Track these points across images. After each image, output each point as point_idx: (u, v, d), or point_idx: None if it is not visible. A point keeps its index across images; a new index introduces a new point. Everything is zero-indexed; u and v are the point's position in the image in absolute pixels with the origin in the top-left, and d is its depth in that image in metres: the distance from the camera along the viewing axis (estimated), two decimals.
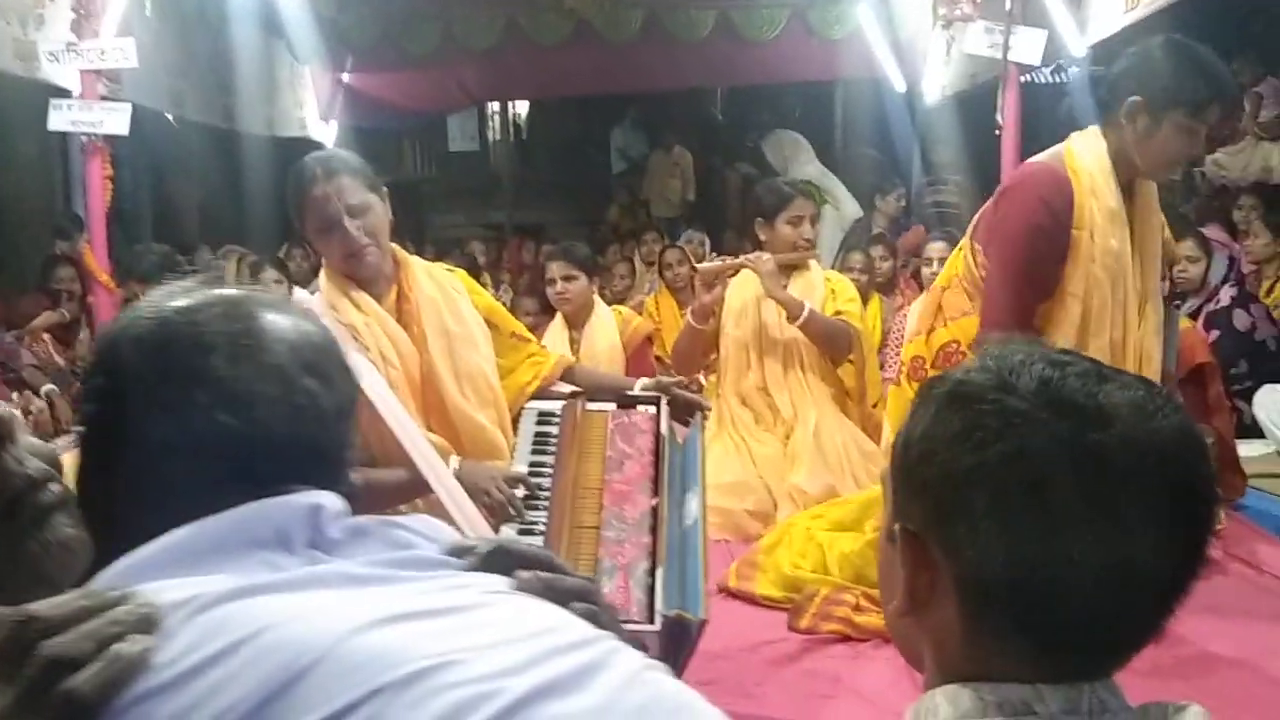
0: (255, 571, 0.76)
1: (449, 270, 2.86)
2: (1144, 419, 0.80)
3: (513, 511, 2.44)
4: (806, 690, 2.58)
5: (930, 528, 0.83)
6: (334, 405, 0.87)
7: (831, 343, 3.95)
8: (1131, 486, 0.78)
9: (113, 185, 5.08)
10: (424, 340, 2.63)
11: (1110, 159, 2.74)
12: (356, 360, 2.44)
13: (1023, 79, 5.58)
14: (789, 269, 4.04)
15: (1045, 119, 8.16)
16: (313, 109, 9.00)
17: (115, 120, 5.01)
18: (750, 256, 4.00)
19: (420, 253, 8.90)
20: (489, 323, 2.81)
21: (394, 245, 2.69)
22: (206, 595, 0.71)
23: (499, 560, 0.85)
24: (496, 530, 2.41)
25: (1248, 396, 4.54)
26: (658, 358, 5.09)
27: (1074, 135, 2.82)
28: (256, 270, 6.46)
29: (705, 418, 2.83)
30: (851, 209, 8.65)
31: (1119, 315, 2.78)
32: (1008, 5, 5.02)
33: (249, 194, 8.75)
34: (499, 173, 12.22)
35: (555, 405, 2.79)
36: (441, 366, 2.63)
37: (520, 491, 2.48)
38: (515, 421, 2.76)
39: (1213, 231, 5.97)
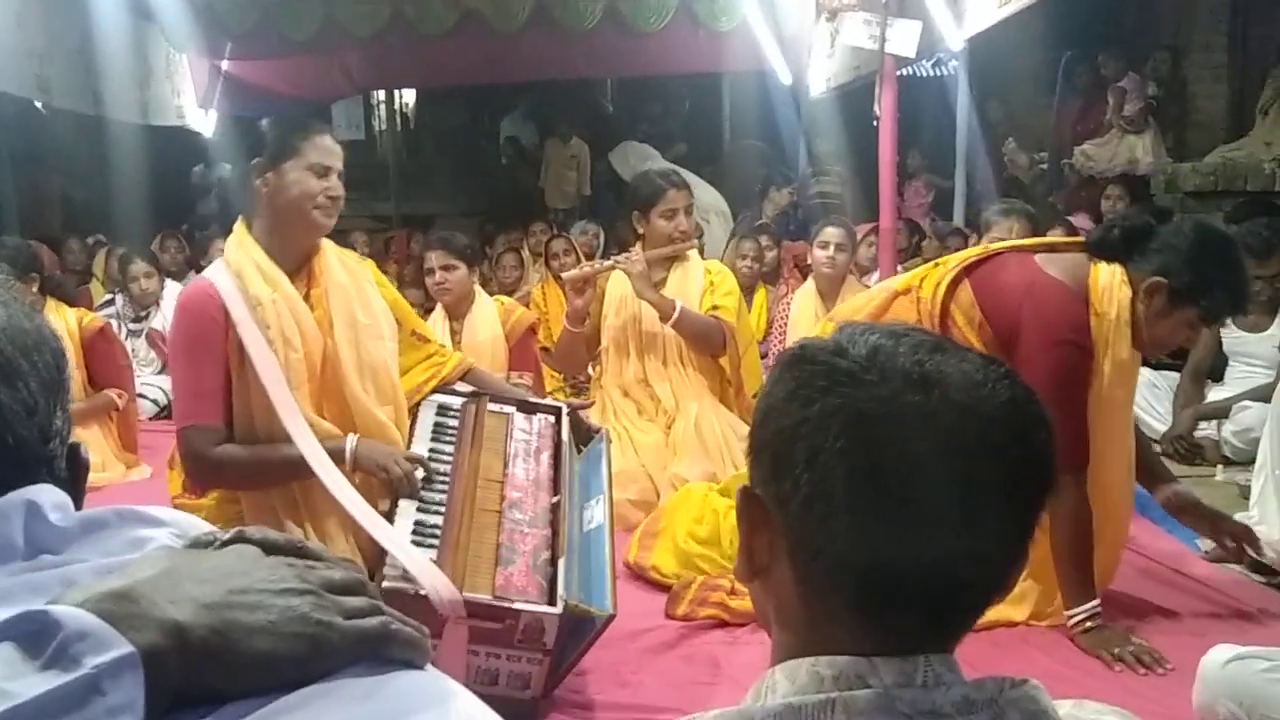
0: None
1: (360, 259, 2.84)
2: (973, 387, 0.80)
3: (409, 487, 2.44)
4: (685, 677, 2.59)
5: (765, 485, 0.84)
6: (18, 402, 0.79)
7: (704, 340, 3.96)
8: (953, 452, 0.78)
9: None
10: (329, 328, 2.60)
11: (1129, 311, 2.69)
12: (246, 335, 2.43)
13: (902, 72, 5.67)
14: (668, 261, 4.03)
15: (924, 111, 8.37)
16: (190, 97, 8.73)
17: None
18: (620, 258, 3.99)
19: None
20: (404, 323, 2.81)
21: None
22: None
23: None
24: (392, 507, 2.42)
25: None
26: (543, 348, 5.06)
27: (1100, 269, 2.72)
28: (126, 262, 6.25)
29: (609, 439, 2.90)
30: (708, 199, 8.69)
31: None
32: None
33: (122, 184, 8.47)
34: (385, 163, 12.01)
35: (455, 400, 2.81)
36: (345, 356, 2.60)
37: (419, 472, 2.49)
38: (412, 413, 2.75)
39: (1080, 220, 6.17)
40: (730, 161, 9.97)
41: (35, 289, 4.60)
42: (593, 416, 3.69)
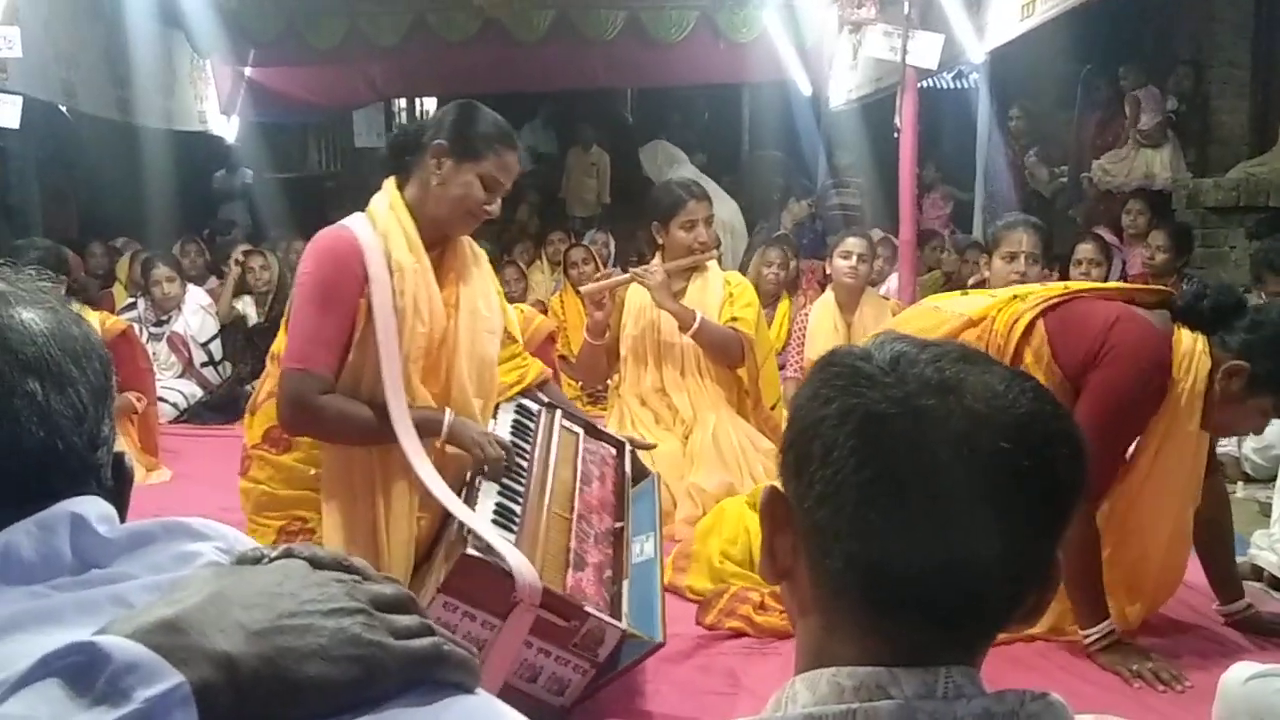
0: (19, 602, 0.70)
1: (480, 250, 2.83)
2: (992, 396, 0.80)
3: (497, 469, 2.47)
4: (702, 687, 2.58)
5: (788, 483, 0.85)
6: (68, 408, 0.78)
7: (723, 352, 3.95)
8: (962, 458, 0.78)
9: None
10: (455, 311, 2.60)
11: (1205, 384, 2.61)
12: (378, 296, 2.44)
13: (923, 84, 5.68)
14: (689, 271, 4.04)
15: (945, 123, 8.37)
16: (213, 103, 8.81)
17: (3, 112, 4.85)
18: (638, 270, 3.98)
19: None
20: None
21: None
22: None
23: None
24: (473, 489, 2.43)
25: None
26: (561, 356, 5.07)
27: (1184, 333, 2.64)
28: (148, 266, 6.29)
29: (660, 481, 2.95)
30: (725, 213, 8.71)
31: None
32: (906, 9, 5.11)
33: (146, 188, 8.53)
34: None
35: (535, 405, 2.86)
36: (462, 342, 2.60)
37: (504, 461, 2.52)
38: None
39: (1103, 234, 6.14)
40: (749, 172, 9.99)
41: (63, 291, 4.63)
42: (610, 425, 3.70)
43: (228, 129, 8.95)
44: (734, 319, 3.96)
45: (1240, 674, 2.16)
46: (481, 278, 2.74)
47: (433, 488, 2.37)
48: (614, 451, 2.94)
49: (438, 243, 2.62)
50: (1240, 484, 4.23)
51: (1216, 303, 2.64)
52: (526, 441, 2.69)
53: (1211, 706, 2.23)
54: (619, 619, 2.24)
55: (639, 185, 10.41)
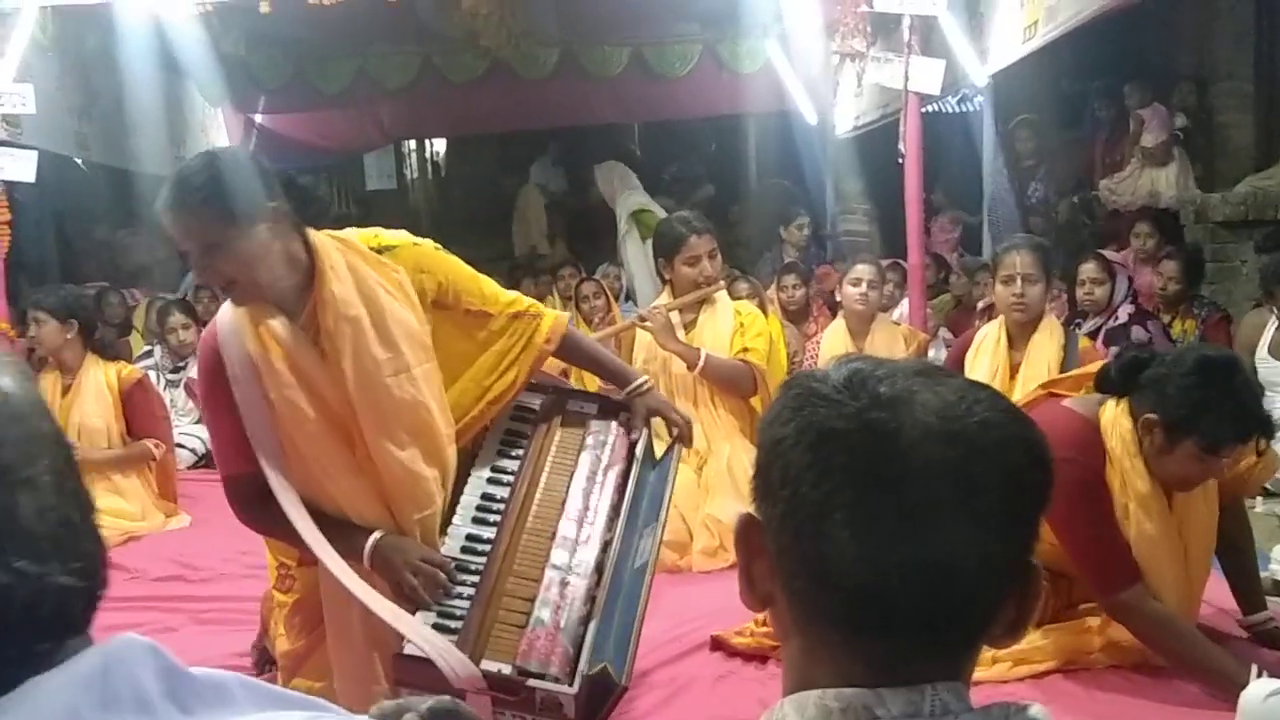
0: None
1: (385, 259, 2.37)
2: (944, 408, 0.80)
3: (419, 600, 2.23)
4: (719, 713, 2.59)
5: (759, 508, 0.86)
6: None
7: (733, 385, 3.95)
8: (920, 471, 0.78)
9: (11, 231, 4.98)
10: (340, 372, 2.25)
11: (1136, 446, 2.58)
12: (243, 400, 2.23)
13: (928, 108, 5.71)
14: (698, 305, 4.06)
15: (950, 147, 8.39)
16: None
17: (18, 167, 4.93)
18: (641, 313, 4.02)
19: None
20: (455, 306, 2.45)
21: (318, 239, 2.29)
22: None
23: None
24: (413, 613, 2.25)
25: None
26: None
27: (1108, 404, 2.64)
28: (164, 314, 6.35)
29: (680, 454, 2.70)
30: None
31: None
32: (906, 36, 5.14)
33: (159, 238, 8.60)
34: (418, 211, 12.18)
35: (535, 400, 2.58)
36: (361, 402, 2.25)
37: (440, 574, 2.27)
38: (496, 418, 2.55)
39: (1111, 254, 6.14)
40: (758, 201, 10.02)
41: (73, 334, 4.70)
42: None
43: None
44: (745, 350, 3.97)
45: (1260, 690, 2.15)
46: (370, 306, 2.27)
47: (362, 597, 2.20)
48: (627, 433, 2.60)
49: (289, 304, 2.27)
50: (1260, 499, 4.21)
51: (1120, 366, 2.65)
52: (515, 458, 2.48)
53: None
54: (574, 677, 2.12)
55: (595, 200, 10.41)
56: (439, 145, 12.97)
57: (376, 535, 2.26)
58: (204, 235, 2.18)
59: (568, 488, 2.43)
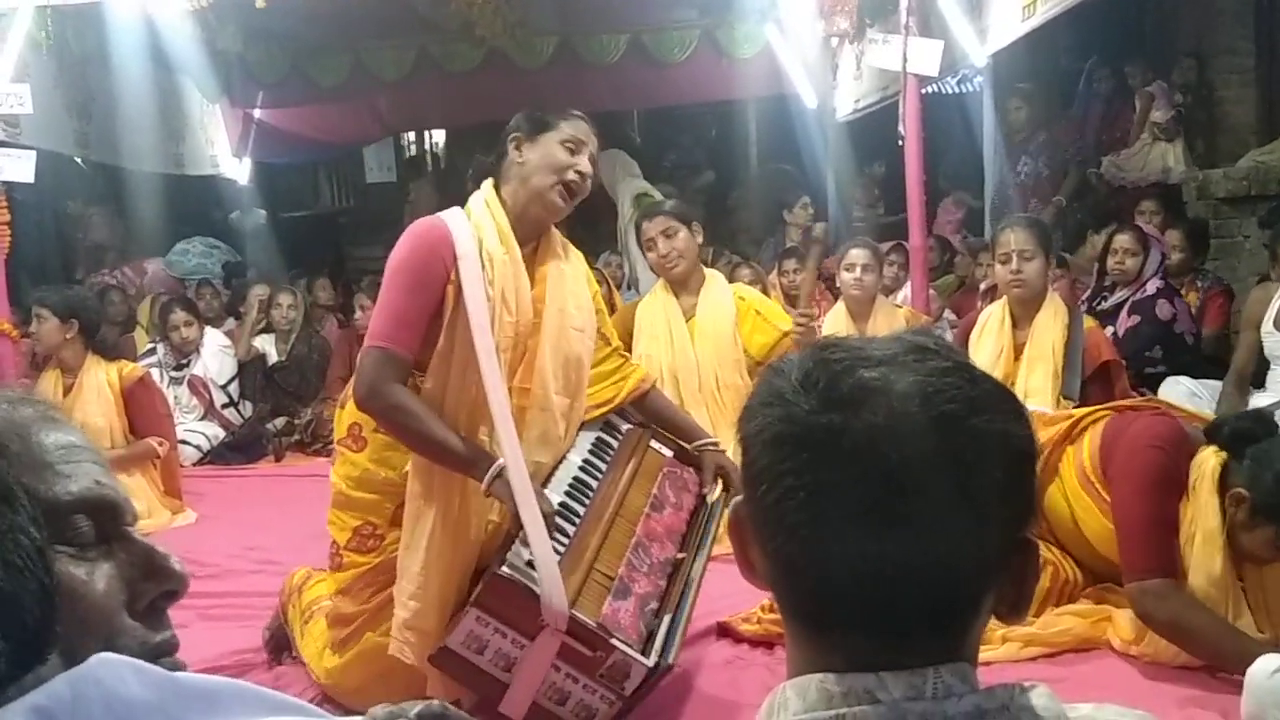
0: None
1: (576, 253, 2.84)
2: (901, 400, 0.79)
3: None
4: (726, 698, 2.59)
5: (744, 498, 0.87)
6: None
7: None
8: (858, 475, 0.78)
9: (10, 231, 4.98)
10: (543, 307, 2.60)
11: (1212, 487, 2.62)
12: (468, 279, 2.44)
13: (926, 90, 5.67)
14: (695, 289, 4.14)
15: (954, 128, 8.37)
16: (224, 146, 8.89)
17: (17, 168, 4.92)
18: (796, 324, 4.13)
19: (338, 286, 8.73)
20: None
21: None
22: None
23: None
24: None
25: (1159, 382, 4.82)
26: None
27: (1209, 448, 2.66)
28: (166, 311, 6.36)
29: (725, 502, 2.87)
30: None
31: None
32: (903, 17, 5.11)
33: (160, 235, 8.61)
34: (418, 202, 12.16)
35: (624, 424, 2.89)
36: (547, 338, 2.59)
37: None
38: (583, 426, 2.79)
39: (1146, 226, 6.09)
40: (759, 186, 10.00)
41: (73, 333, 4.71)
42: None
43: (240, 171, 9.03)
44: (784, 334, 4.14)
45: (1267, 666, 2.15)
46: (575, 278, 2.74)
47: (513, 478, 2.33)
48: (698, 480, 2.90)
49: (531, 238, 2.65)
50: None
51: (1235, 429, 2.67)
52: (604, 460, 2.72)
53: (1240, 699, 2.22)
54: (649, 655, 2.24)
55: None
56: (438, 137, 12.93)
57: (501, 460, 2.39)
58: (592, 143, 2.67)
59: (645, 507, 2.64)
